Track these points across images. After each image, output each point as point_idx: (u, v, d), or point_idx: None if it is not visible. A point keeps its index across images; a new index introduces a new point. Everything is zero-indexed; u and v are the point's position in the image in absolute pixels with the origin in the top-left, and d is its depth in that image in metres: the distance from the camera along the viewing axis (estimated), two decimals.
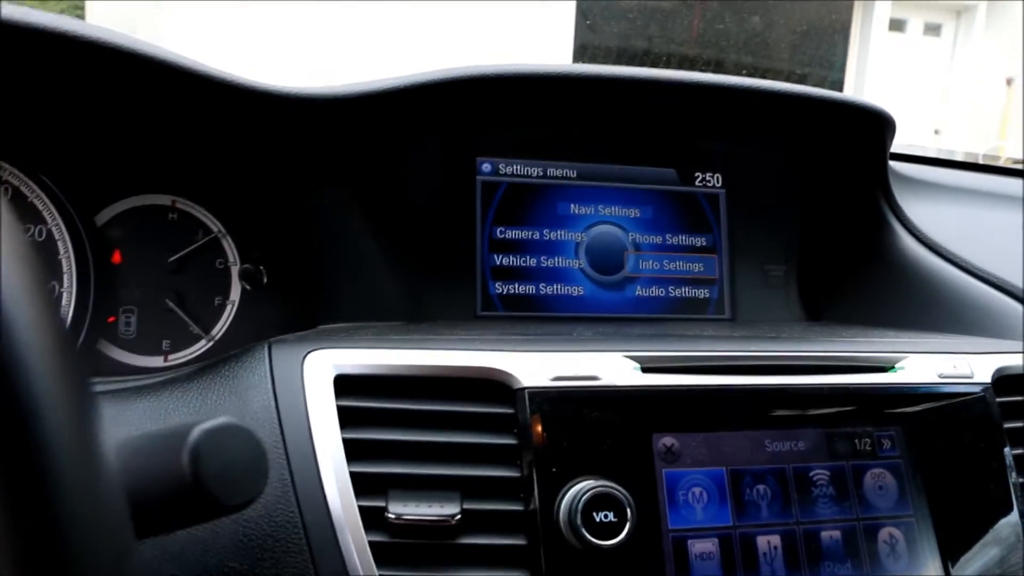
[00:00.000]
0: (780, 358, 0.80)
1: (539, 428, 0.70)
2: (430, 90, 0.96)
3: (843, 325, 1.13)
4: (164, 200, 1.02)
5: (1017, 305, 1.03)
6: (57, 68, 0.85)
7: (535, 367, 0.73)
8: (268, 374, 0.72)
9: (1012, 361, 0.85)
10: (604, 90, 1.03)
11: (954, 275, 1.08)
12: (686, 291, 1.17)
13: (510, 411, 0.72)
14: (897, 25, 7.17)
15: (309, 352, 0.73)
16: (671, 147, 1.19)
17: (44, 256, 0.97)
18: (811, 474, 0.74)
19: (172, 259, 1.02)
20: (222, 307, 1.03)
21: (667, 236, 1.18)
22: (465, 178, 1.12)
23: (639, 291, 1.16)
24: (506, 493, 0.69)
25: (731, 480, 0.73)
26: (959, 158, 1.45)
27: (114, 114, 0.97)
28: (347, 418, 0.69)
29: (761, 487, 0.73)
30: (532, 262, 1.13)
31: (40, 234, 0.97)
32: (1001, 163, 1.48)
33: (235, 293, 1.04)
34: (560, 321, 1.12)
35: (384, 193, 1.06)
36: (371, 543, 0.65)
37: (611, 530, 0.66)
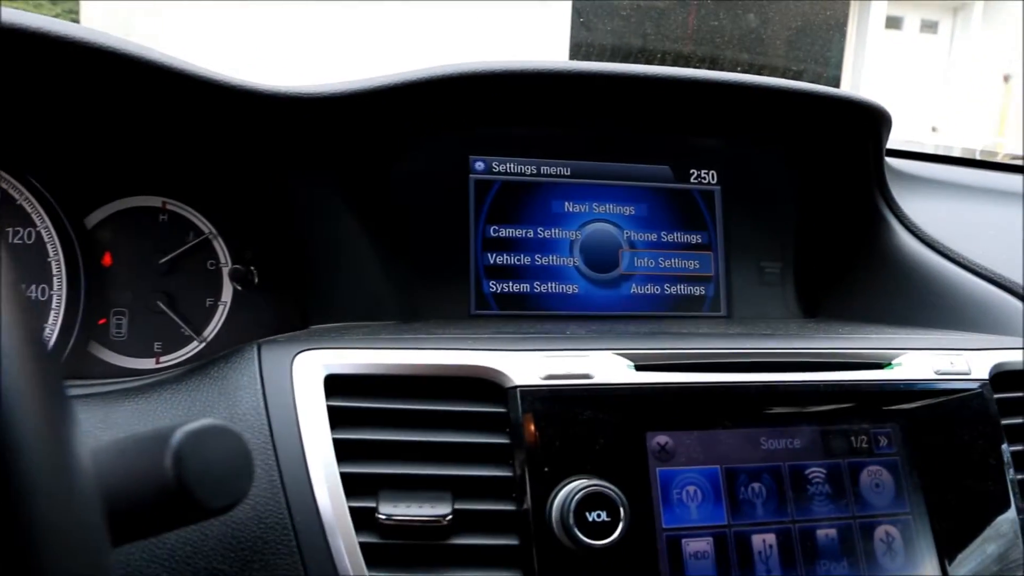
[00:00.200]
0: (775, 355, 0.79)
1: (531, 427, 0.69)
2: (421, 88, 0.95)
3: (840, 322, 1.12)
4: (154, 201, 1.01)
5: (1014, 301, 1.02)
6: (46, 70, 0.84)
7: (527, 366, 0.72)
8: (257, 375, 0.72)
9: (1010, 357, 0.84)
10: (598, 87, 1.03)
11: (951, 271, 1.07)
12: (681, 289, 1.17)
13: (502, 410, 0.71)
14: (894, 22, 7.17)
15: (299, 352, 0.72)
16: (666, 144, 1.19)
17: (33, 259, 0.96)
18: (807, 472, 0.74)
19: (163, 261, 1.01)
20: (214, 308, 1.03)
21: (662, 233, 1.17)
22: (458, 176, 1.12)
23: (634, 289, 1.15)
24: (498, 493, 0.68)
25: (726, 478, 0.72)
26: (957, 154, 1.44)
27: (104, 115, 0.96)
28: (337, 418, 0.69)
29: (756, 485, 0.72)
30: (526, 260, 1.13)
31: (29, 237, 0.97)
32: (999, 159, 1.47)
33: (227, 294, 1.03)
34: (554, 319, 1.11)
35: (376, 192, 1.05)
36: (362, 544, 0.64)
37: (604, 530, 0.65)
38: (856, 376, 0.79)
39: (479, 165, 1.12)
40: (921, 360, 0.81)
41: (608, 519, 0.65)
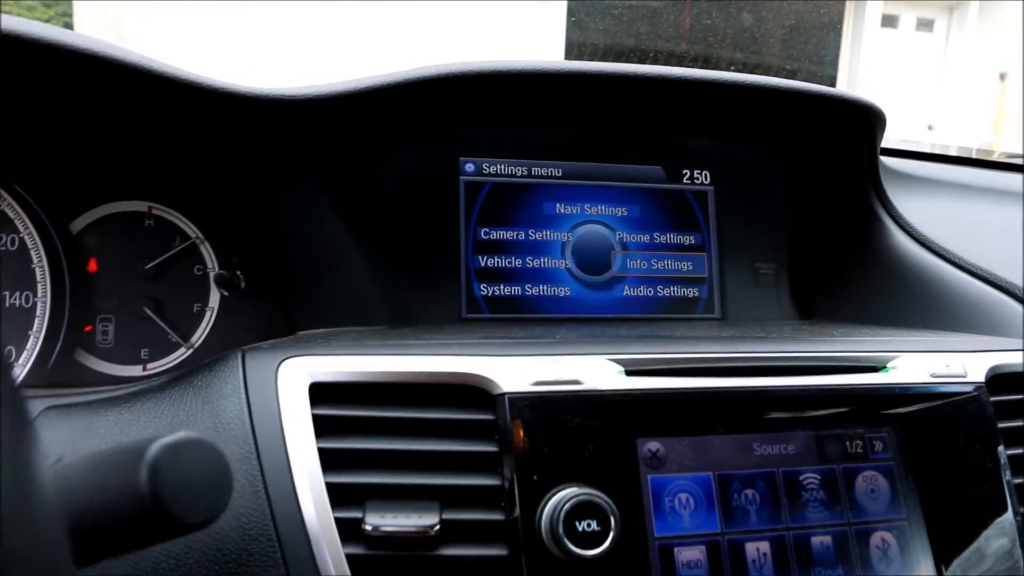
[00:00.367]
0: (768, 359, 0.78)
1: (520, 434, 0.68)
2: (408, 89, 0.94)
3: (835, 323, 1.11)
4: (140, 206, 1.00)
5: (1011, 301, 1.01)
6: (27, 75, 0.83)
7: (516, 372, 0.71)
8: (241, 383, 0.71)
9: (1006, 359, 0.83)
10: (589, 87, 1.01)
11: (947, 271, 1.06)
12: (675, 290, 1.16)
13: (490, 417, 0.70)
14: (889, 21, 7.16)
15: (283, 360, 0.71)
16: (658, 144, 1.18)
17: (17, 266, 0.95)
18: (801, 478, 0.72)
19: (149, 266, 1.00)
20: (201, 314, 1.02)
21: (655, 235, 1.16)
22: (448, 178, 1.11)
23: (627, 291, 1.14)
24: (486, 502, 0.67)
25: (719, 485, 0.71)
26: (953, 153, 1.43)
27: (87, 120, 0.95)
28: (322, 427, 0.67)
29: (750, 492, 0.71)
30: (518, 263, 1.12)
31: (12, 243, 0.95)
32: (995, 158, 1.46)
33: (214, 300, 1.02)
34: (546, 323, 1.10)
35: (364, 195, 1.04)
36: (348, 556, 0.63)
37: (594, 539, 0.64)
38: (850, 380, 0.78)
39: (469, 167, 1.11)
40: (916, 363, 0.80)
41: (599, 528, 0.64)
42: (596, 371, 0.72)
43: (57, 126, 0.96)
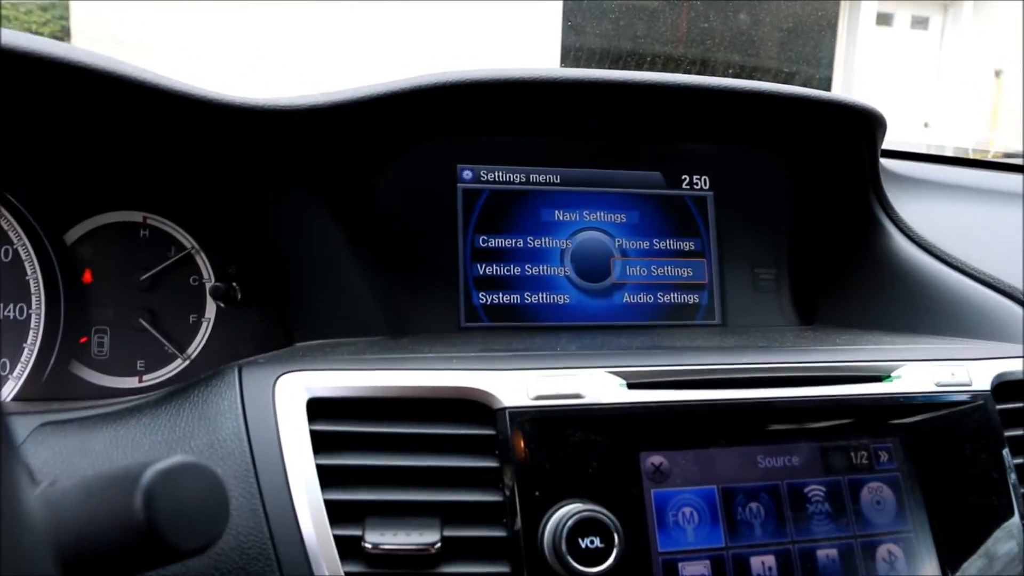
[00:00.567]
0: (771, 369, 0.77)
1: (521, 449, 0.67)
2: (406, 98, 0.93)
3: (836, 330, 1.10)
4: (135, 216, 0.99)
5: (1014, 306, 1.00)
6: (22, 87, 0.82)
7: (516, 386, 0.70)
8: (238, 399, 0.70)
9: (1012, 366, 0.82)
10: (586, 94, 1.00)
11: (948, 276, 1.05)
12: (675, 297, 1.15)
13: (491, 432, 0.69)
14: (884, 19, 7.16)
15: (281, 375, 0.70)
16: (657, 149, 1.17)
17: (11, 278, 0.94)
18: (806, 490, 0.72)
19: (144, 277, 0.99)
20: (197, 325, 1.01)
21: (654, 241, 1.15)
22: (445, 185, 1.10)
23: (627, 298, 1.13)
24: (488, 519, 0.66)
25: (723, 499, 0.70)
26: (950, 151, 1.42)
27: (81, 130, 0.94)
28: (321, 443, 0.67)
29: (754, 505, 0.70)
30: (516, 271, 1.11)
31: (6, 255, 0.94)
32: (991, 155, 1.45)
33: (210, 310, 1.01)
34: (545, 331, 1.09)
35: (362, 204, 1.03)
36: (347, 574, 0.62)
37: (598, 556, 0.63)
38: (855, 390, 0.77)
39: (467, 174, 1.10)
40: (921, 371, 0.79)
41: (602, 545, 0.63)
42: (597, 384, 0.72)
43: (51, 136, 0.95)
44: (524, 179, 1.12)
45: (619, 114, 1.08)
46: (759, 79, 1.04)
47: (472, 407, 0.70)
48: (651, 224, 1.15)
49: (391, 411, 0.69)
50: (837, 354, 0.83)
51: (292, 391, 0.69)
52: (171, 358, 1.00)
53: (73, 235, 0.98)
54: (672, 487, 0.69)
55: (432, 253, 1.08)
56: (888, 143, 1.16)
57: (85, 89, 0.82)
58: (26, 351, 0.95)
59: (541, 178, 1.13)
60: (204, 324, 1.01)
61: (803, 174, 1.19)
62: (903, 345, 0.89)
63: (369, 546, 0.63)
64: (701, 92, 1.00)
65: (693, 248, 1.16)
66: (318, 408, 0.68)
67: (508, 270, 1.10)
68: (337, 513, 0.64)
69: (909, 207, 1.14)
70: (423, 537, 0.63)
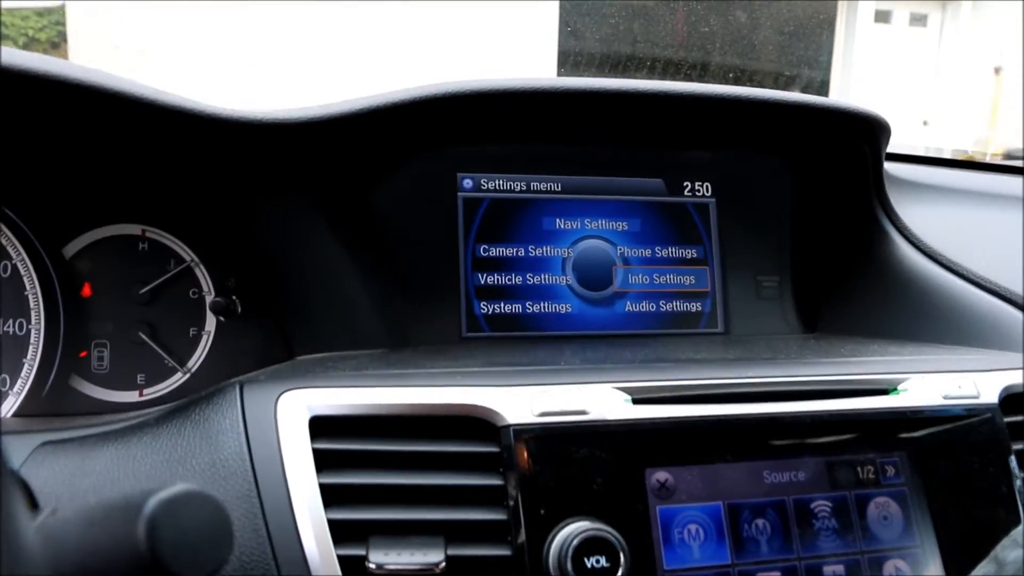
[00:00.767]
0: (777, 384, 0.76)
1: (526, 467, 0.67)
2: (404, 110, 0.92)
3: (840, 339, 1.09)
4: (134, 230, 0.99)
5: (1017, 313, 0.99)
6: (17, 103, 0.81)
7: (520, 402, 0.70)
8: (240, 417, 0.69)
9: (1020, 379, 0.82)
10: (587, 104, 1.00)
11: (953, 283, 1.04)
12: (677, 305, 1.14)
13: (495, 450, 0.68)
14: (883, 16, 7.16)
15: (282, 393, 0.70)
16: (658, 157, 1.16)
17: (10, 293, 0.94)
18: (812, 506, 0.71)
19: (144, 290, 0.98)
20: (197, 338, 1.00)
21: (656, 249, 1.14)
22: (446, 195, 1.09)
23: (629, 306, 1.13)
24: (492, 537, 0.66)
25: (728, 515, 0.69)
26: (950, 151, 1.42)
27: (78, 145, 0.93)
28: (323, 461, 0.66)
29: (760, 521, 0.70)
30: (518, 280, 1.10)
31: (5, 270, 0.94)
32: (991, 152, 1.44)
33: (210, 323, 1.00)
34: (548, 342, 1.08)
35: (361, 215, 1.02)
36: None
37: (603, 575, 0.62)
38: (861, 404, 0.76)
39: (467, 183, 1.10)
40: (928, 384, 0.79)
41: (608, 564, 0.63)
42: (602, 400, 0.71)
43: (48, 151, 0.94)
44: (525, 187, 1.12)
45: (620, 123, 1.07)
46: (759, 81, 1.04)
47: (476, 424, 0.69)
48: (653, 232, 1.15)
49: (394, 428, 0.69)
50: (843, 366, 0.83)
51: (294, 409, 0.68)
52: (171, 372, 0.99)
53: (72, 249, 0.97)
54: (678, 503, 0.69)
55: (433, 263, 1.08)
56: (891, 147, 1.16)
57: (81, 105, 0.81)
58: (26, 366, 0.94)
59: (542, 186, 1.12)
60: (204, 337, 1.00)
61: (806, 180, 1.18)
62: (909, 356, 0.89)
63: (373, 566, 0.62)
64: (703, 101, 1.00)
65: (695, 256, 1.16)
66: (320, 426, 0.68)
67: (509, 279, 1.10)
68: (340, 532, 0.63)
69: (912, 212, 1.13)
70: (427, 557, 0.63)
